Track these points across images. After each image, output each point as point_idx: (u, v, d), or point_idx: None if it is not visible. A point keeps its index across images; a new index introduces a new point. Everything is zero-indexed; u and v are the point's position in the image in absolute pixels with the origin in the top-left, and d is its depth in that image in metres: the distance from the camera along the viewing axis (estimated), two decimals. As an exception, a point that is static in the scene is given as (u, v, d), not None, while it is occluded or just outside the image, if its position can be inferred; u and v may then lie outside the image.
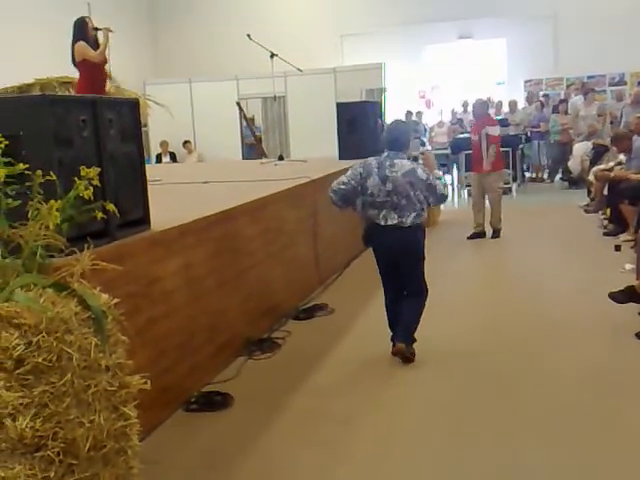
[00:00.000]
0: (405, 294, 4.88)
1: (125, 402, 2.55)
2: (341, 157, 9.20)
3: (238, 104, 13.09)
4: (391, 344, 4.81)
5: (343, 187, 4.77)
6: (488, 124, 8.86)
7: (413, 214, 4.67)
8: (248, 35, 9.85)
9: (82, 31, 7.09)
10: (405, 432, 3.83)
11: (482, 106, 9.21)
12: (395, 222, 4.66)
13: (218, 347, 4.71)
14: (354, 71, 14.12)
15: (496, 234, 8.93)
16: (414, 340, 4.82)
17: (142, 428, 2.66)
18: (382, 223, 4.69)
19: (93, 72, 7.10)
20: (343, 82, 13.74)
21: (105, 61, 7.23)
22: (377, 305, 5.92)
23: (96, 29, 7.13)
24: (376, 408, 4.14)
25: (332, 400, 4.26)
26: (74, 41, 7.09)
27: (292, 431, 3.88)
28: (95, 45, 7.09)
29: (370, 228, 4.81)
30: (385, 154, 4.77)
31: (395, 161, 4.70)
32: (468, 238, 8.95)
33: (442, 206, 10.64)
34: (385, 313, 5.02)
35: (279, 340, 5.28)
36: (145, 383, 2.61)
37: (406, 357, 4.73)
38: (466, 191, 13.13)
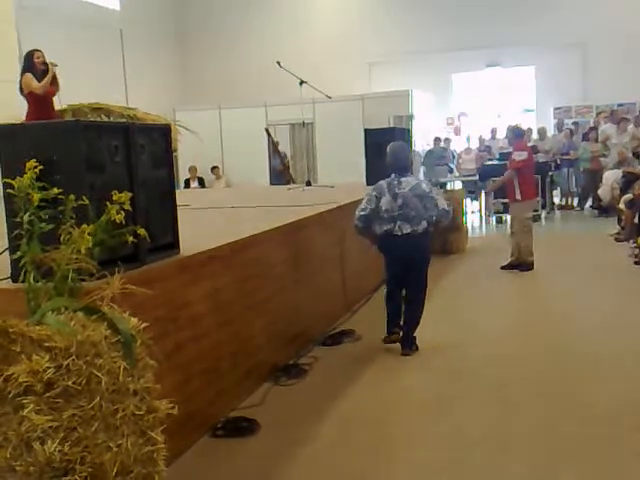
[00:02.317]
0: (408, 302, 5.64)
1: (152, 427, 2.54)
2: (369, 183, 9.19)
3: (266, 130, 13.20)
4: (386, 334, 5.70)
5: (364, 213, 5.57)
6: (516, 149, 8.75)
7: (423, 222, 5.46)
8: (278, 62, 9.95)
9: (29, 63, 7.32)
10: (438, 462, 3.77)
11: (512, 131, 8.98)
12: (409, 231, 5.42)
13: (244, 372, 4.70)
14: (381, 98, 14.19)
15: (525, 267, 8.50)
16: (415, 338, 5.61)
17: (168, 453, 2.64)
18: (398, 233, 5.42)
19: (39, 103, 7.29)
20: (371, 109, 13.81)
21: (52, 92, 7.40)
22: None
23: (44, 63, 7.31)
24: (406, 439, 4.09)
25: (360, 431, 4.22)
26: (22, 72, 7.32)
27: (318, 461, 3.84)
28: (42, 77, 7.27)
29: (385, 238, 5.51)
30: (392, 176, 5.55)
31: (402, 179, 5.50)
32: (502, 268, 8.64)
33: (470, 233, 10.62)
34: (385, 306, 5.76)
35: (306, 366, 5.26)
36: (172, 408, 2.61)
37: (412, 346, 5.56)
38: (494, 218, 13.06)
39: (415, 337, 5.62)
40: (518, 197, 8.53)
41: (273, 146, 13.79)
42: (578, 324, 6.25)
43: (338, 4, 17.68)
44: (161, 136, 4.10)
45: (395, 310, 5.73)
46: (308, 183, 10.50)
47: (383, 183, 5.58)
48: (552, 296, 7.56)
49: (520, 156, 8.48)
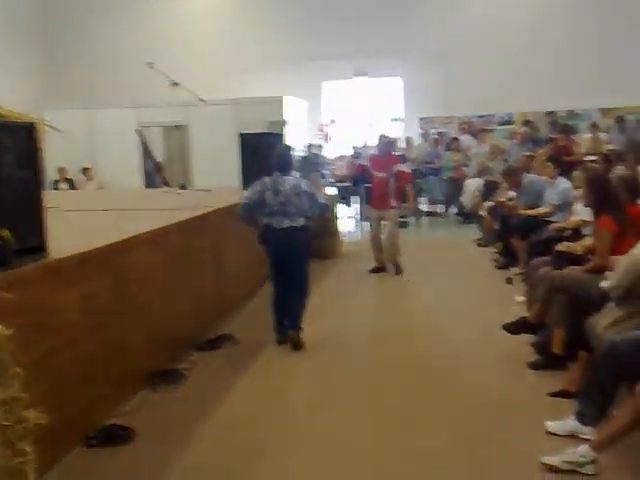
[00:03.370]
0: (292, 289, 5.92)
1: (21, 438, 2.40)
2: (245, 187, 9.11)
3: (138, 132, 12.84)
4: (276, 334, 5.93)
5: (247, 202, 5.89)
6: (396, 162, 8.96)
7: (302, 218, 5.84)
8: (149, 63, 9.66)
9: None
10: (317, 464, 3.77)
11: (389, 144, 9.24)
12: (288, 225, 5.78)
13: (120, 379, 4.52)
14: (256, 103, 14.14)
15: (398, 269, 8.85)
16: (301, 328, 5.87)
17: (40, 465, 2.50)
18: (278, 227, 5.78)
19: None
20: (245, 113, 13.71)
21: None
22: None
23: None
24: (286, 439, 4.07)
25: (236, 434, 4.15)
26: None
27: (197, 465, 3.75)
28: None
29: (267, 231, 5.84)
30: (276, 174, 5.88)
31: (284, 178, 5.87)
32: (370, 272, 8.91)
33: (344, 237, 10.77)
34: (272, 308, 6.00)
35: (184, 371, 5.14)
36: (42, 417, 2.45)
37: (296, 342, 5.78)
38: (366, 223, 13.28)
39: (301, 327, 5.88)
40: (394, 204, 8.78)
41: (145, 148, 13.43)
42: (444, 324, 6.47)
43: (212, 6, 17.51)
44: (27, 135, 3.87)
45: (282, 311, 5.98)
46: (183, 187, 10.30)
47: (267, 179, 5.89)
48: (420, 297, 7.79)
49: (407, 169, 8.88)
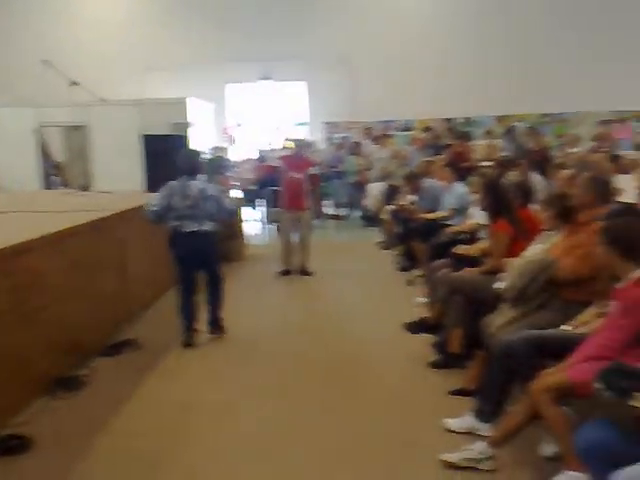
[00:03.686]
0: (207, 286, 6.14)
1: None
2: (149, 189, 8.94)
3: (36, 132, 12.38)
4: (184, 337, 5.93)
5: (156, 209, 5.88)
6: (310, 164, 9.00)
7: (209, 222, 5.92)
8: (45, 61, 9.33)
9: None
10: (220, 471, 3.75)
11: (306, 147, 9.29)
12: (195, 229, 5.85)
13: (17, 386, 4.35)
14: (159, 104, 13.89)
15: (307, 271, 8.86)
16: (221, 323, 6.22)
17: None
18: (185, 230, 5.84)
19: None
20: (149, 115, 13.43)
21: None
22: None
23: None
24: (185, 447, 4.02)
25: (138, 441, 4.07)
26: None
27: (96, 474, 3.65)
28: None
29: (175, 235, 5.89)
30: (183, 178, 5.91)
31: (191, 182, 5.90)
32: (279, 274, 8.85)
33: (250, 240, 10.72)
34: (180, 312, 6.00)
35: (84, 378, 4.99)
36: None
37: (220, 328, 6.18)
38: (273, 226, 13.24)
39: (222, 319, 6.22)
40: (308, 206, 8.87)
41: (43, 149, 12.95)
42: (349, 325, 6.56)
43: (115, 5, 17.06)
44: None
45: (188, 313, 6.03)
46: (84, 188, 10.00)
47: (174, 183, 5.93)
48: (327, 300, 7.84)
49: (316, 171, 8.81)
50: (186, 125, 13.70)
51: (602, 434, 2.73)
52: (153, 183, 8.86)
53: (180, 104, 13.98)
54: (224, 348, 5.88)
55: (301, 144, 9.25)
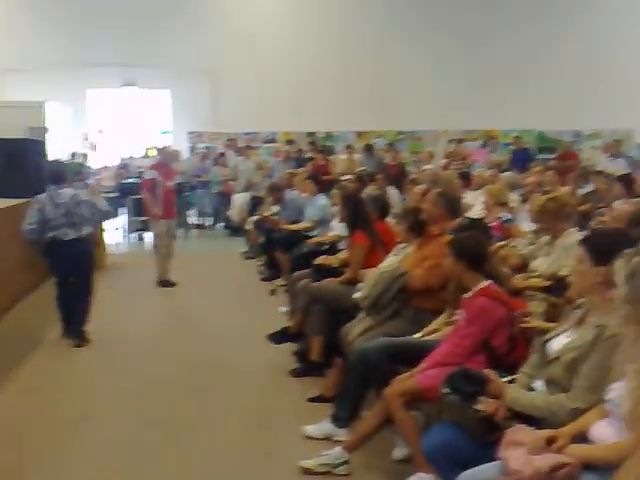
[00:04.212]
0: (77, 297, 6.09)
1: None
2: (3, 195, 8.41)
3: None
4: (65, 334, 6.10)
5: (32, 226, 5.83)
6: (176, 173, 8.85)
7: (86, 227, 6.00)
8: None
9: None
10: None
11: (174, 155, 9.10)
12: (74, 236, 5.88)
13: None
14: (14, 107, 13.18)
15: (170, 281, 8.64)
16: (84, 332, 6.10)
17: None
18: (64, 239, 5.84)
19: None
20: (3, 118, 12.72)
21: None
22: (47, 346, 5.60)
23: None
24: (34, 461, 3.83)
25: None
26: None
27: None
28: None
29: (52, 244, 5.86)
30: (52, 187, 5.97)
31: (60, 191, 5.94)
32: (159, 284, 8.57)
33: (110, 249, 10.38)
34: (60, 315, 6.16)
35: None
36: None
37: (84, 339, 6.04)
38: (135, 235, 12.89)
39: (84, 331, 6.10)
40: (173, 215, 8.79)
41: None
42: (212, 335, 6.50)
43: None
44: None
45: (67, 311, 6.15)
46: None
47: (43, 196, 5.96)
48: (190, 309, 7.76)
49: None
50: (44, 130, 13.10)
51: (448, 436, 2.86)
52: (7, 188, 8.37)
53: (37, 108, 13.36)
54: (84, 358, 5.68)
55: (167, 152, 9.09)
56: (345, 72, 15.90)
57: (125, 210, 13.08)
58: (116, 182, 14.26)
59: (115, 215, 14.08)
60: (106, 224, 10.38)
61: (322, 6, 16.34)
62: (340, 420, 3.98)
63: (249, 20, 16.09)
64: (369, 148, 14.01)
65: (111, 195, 13.67)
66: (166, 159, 8.94)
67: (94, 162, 15.84)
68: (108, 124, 16.93)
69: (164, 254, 8.69)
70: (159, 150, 9.38)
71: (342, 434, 3.92)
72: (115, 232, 13.21)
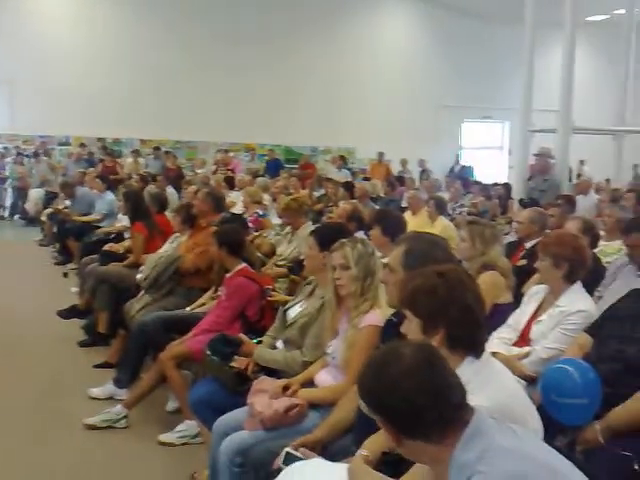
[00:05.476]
0: None
1: None
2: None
3: None
4: None
5: None
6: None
7: None
8: None
9: None
10: None
11: None
12: None
13: None
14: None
15: None
16: None
17: None
18: None
19: None
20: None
21: None
22: None
23: None
24: None
25: None
26: None
27: None
28: None
29: None
30: None
31: None
32: None
33: None
34: None
35: None
36: None
37: None
38: None
39: None
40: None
41: None
42: (8, 312, 5.76)
43: None
44: None
45: None
46: None
47: None
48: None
49: None
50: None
51: (210, 389, 2.82)
52: None
53: None
54: None
55: None
56: (134, 85, 14.86)
57: None
58: None
59: None
60: None
61: (115, 18, 14.93)
62: (121, 382, 3.77)
63: (48, 37, 14.43)
64: (158, 149, 13.62)
65: None
66: None
67: None
68: None
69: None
70: None
71: (123, 394, 3.71)
72: None
